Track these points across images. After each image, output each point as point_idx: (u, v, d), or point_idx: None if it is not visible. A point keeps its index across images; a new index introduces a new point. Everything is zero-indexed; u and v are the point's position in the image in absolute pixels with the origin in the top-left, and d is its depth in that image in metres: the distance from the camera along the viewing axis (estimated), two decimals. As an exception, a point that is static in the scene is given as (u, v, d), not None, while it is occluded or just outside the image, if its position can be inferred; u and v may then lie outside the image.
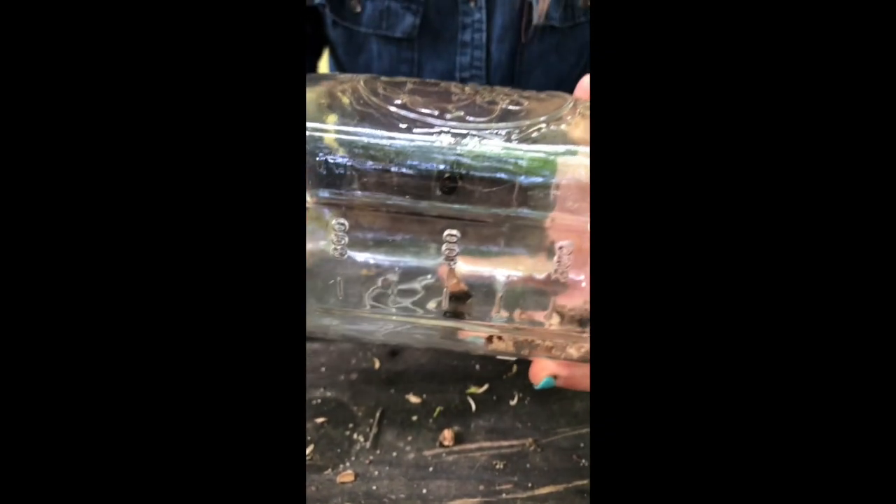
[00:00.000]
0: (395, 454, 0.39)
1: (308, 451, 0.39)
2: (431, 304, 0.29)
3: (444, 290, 0.28)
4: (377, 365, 0.46)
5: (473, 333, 0.30)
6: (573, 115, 0.28)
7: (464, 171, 0.26)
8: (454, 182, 0.26)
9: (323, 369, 0.45)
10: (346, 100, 0.28)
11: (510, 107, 0.28)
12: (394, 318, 0.30)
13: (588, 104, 0.29)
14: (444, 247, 0.27)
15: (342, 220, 0.27)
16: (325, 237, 0.27)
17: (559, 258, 0.27)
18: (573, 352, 0.30)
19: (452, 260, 0.27)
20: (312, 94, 0.29)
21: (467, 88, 0.29)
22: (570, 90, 0.64)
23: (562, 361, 0.30)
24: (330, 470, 0.38)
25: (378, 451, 0.39)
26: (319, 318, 0.30)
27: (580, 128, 0.28)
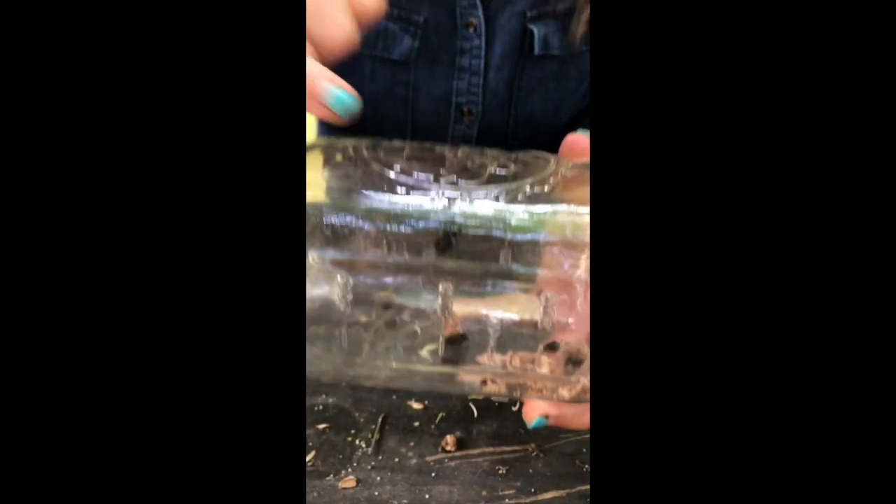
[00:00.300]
0: (397, 460, 0.39)
1: (309, 457, 0.39)
2: (428, 351, 0.31)
3: (441, 336, 0.30)
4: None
5: (469, 377, 0.32)
6: (556, 176, 0.30)
7: (457, 231, 0.28)
8: (448, 241, 0.28)
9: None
10: (347, 164, 0.31)
11: (498, 170, 0.30)
12: (394, 364, 0.31)
13: (570, 164, 0.32)
14: (438, 299, 0.29)
15: (347, 276, 0.29)
16: (327, 286, 0.29)
17: (545, 308, 0.29)
18: (564, 393, 0.31)
19: (447, 310, 0.29)
20: (314, 158, 0.31)
21: (459, 152, 0.32)
22: (568, 115, 0.63)
23: (553, 402, 0.32)
24: (332, 476, 0.38)
25: (380, 457, 0.39)
26: (322, 366, 0.32)
27: (563, 188, 0.30)
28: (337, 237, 0.29)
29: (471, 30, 0.52)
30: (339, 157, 0.31)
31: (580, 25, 0.51)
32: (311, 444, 0.40)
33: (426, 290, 0.29)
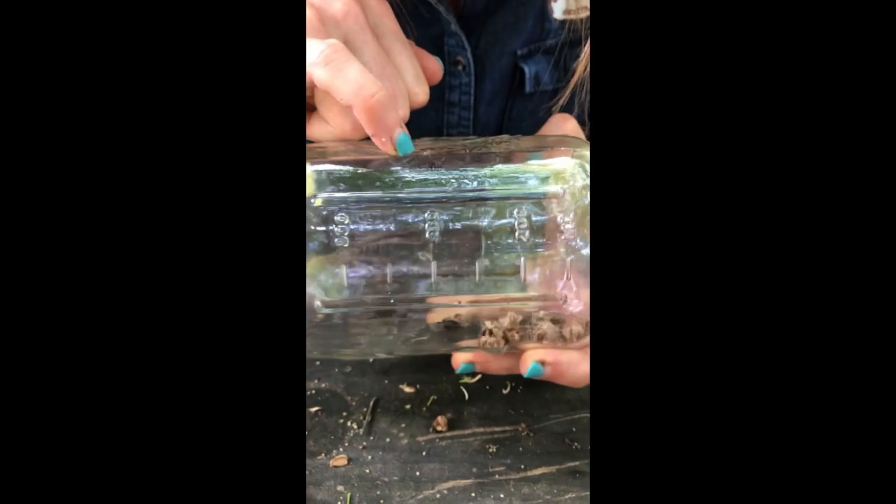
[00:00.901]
0: (388, 440, 0.39)
1: (302, 437, 0.39)
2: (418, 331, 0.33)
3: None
4: (371, 358, 0.46)
5: (466, 345, 0.33)
6: (514, 138, 0.36)
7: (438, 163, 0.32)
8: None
9: (318, 363, 0.45)
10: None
11: (462, 140, 0.35)
12: (395, 330, 0.32)
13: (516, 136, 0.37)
14: (426, 226, 0.31)
15: (343, 214, 0.31)
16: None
17: (518, 222, 0.31)
18: (564, 332, 0.32)
19: (434, 239, 0.31)
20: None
21: (423, 138, 0.36)
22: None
23: (549, 348, 0.32)
24: (323, 455, 0.38)
25: (371, 438, 0.39)
26: (328, 348, 0.33)
27: (520, 145, 0.35)
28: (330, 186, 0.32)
29: (459, 67, 0.52)
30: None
31: (578, 62, 0.51)
32: (303, 425, 0.40)
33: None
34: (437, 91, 0.55)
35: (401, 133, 0.32)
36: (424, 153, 0.33)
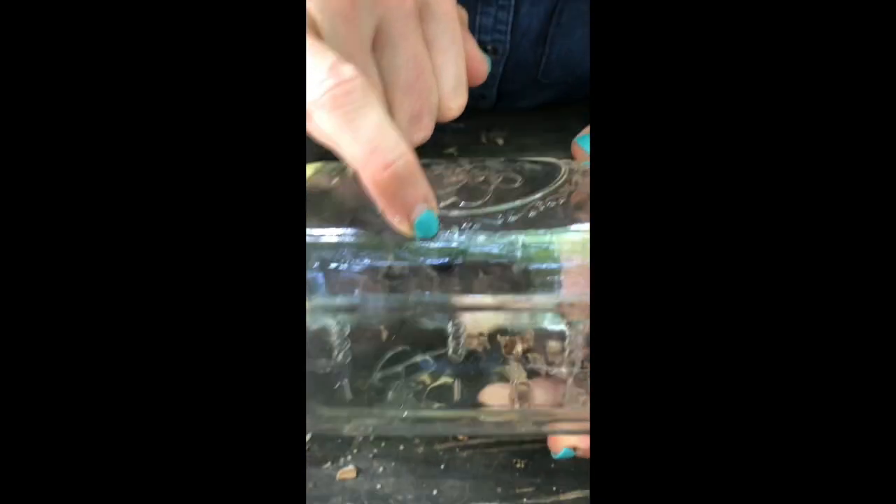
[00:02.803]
0: (402, 447, 0.35)
1: (305, 439, 0.35)
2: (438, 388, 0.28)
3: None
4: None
5: (493, 416, 0.29)
6: (569, 184, 0.27)
7: (460, 260, 0.25)
8: (450, 266, 0.25)
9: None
10: (339, 195, 0.28)
11: (503, 185, 0.27)
12: (405, 414, 0.29)
13: (582, 167, 0.29)
14: (450, 339, 0.26)
15: (345, 325, 0.26)
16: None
17: (571, 337, 0.25)
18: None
19: (458, 352, 0.26)
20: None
21: (458, 170, 0.29)
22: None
23: (580, 433, 0.29)
24: (329, 464, 0.34)
25: (383, 444, 0.35)
26: (336, 419, 0.29)
27: (577, 198, 0.27)
28: (331, 283, 0.26)
29: None
30: (335, 182, 0.29)
31: None
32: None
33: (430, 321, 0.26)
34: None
35: (422, 211, 0.24)
36: (445, 245, 0.25)
